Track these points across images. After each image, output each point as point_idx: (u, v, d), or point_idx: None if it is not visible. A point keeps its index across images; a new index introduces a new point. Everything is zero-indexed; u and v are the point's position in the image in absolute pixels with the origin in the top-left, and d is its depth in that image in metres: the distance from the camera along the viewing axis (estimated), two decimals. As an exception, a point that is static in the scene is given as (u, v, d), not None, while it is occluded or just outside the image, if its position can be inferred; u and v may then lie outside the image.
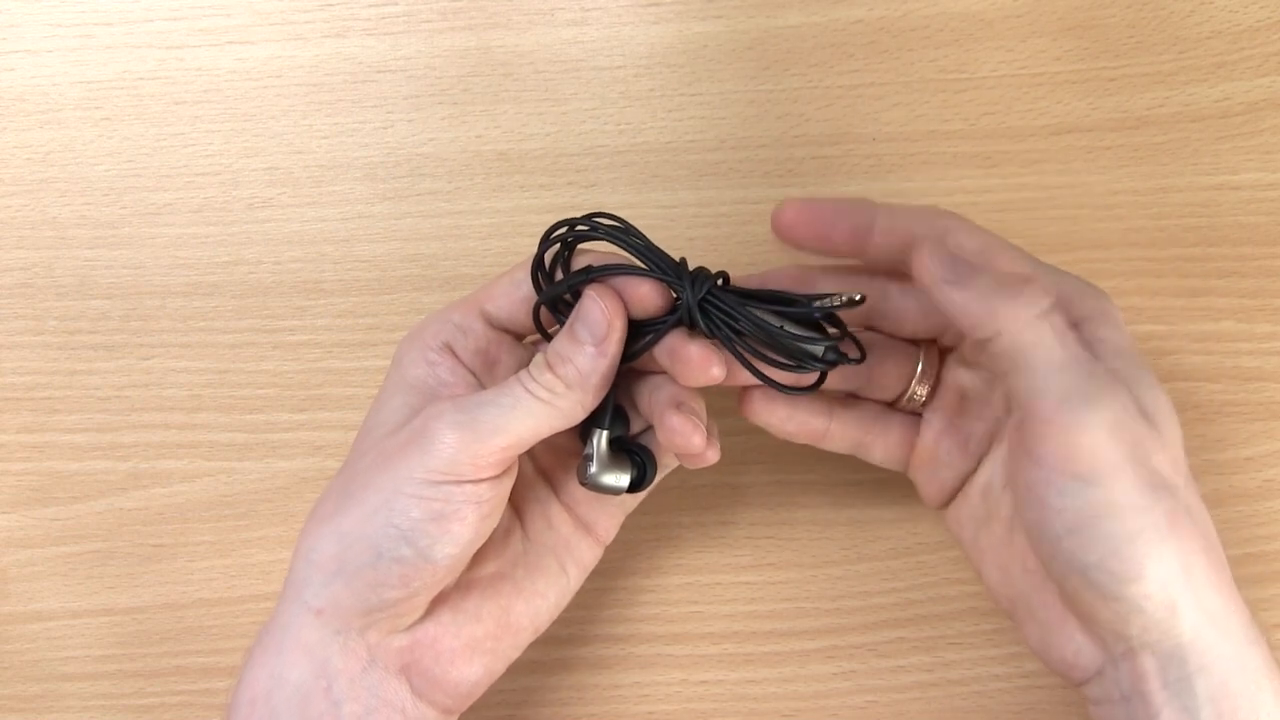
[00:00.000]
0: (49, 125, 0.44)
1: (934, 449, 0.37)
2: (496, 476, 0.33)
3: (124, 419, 0.44)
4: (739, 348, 0.34)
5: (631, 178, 0.44)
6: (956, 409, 0.36)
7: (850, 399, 0.38)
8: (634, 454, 0.36)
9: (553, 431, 0.33)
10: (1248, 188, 0.43)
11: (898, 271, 0.35)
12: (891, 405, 0.38)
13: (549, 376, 0.33)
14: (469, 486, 0.32)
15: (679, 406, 0.34)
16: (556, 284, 0.35)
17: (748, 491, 0.44)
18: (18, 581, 0.44)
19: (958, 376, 0.36)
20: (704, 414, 0.35)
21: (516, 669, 0.43)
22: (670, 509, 0.43)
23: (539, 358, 0.34)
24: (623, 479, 0.35)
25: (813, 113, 0.44)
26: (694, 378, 0.33)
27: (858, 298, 0.32)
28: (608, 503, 0.37)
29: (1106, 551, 0.30)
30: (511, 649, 0.36)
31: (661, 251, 0.34)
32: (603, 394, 0.34)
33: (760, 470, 0.44)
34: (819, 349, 0.33)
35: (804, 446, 0.44)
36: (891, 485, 0.44)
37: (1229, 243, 0.43)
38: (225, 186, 0.44)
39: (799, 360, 0.33)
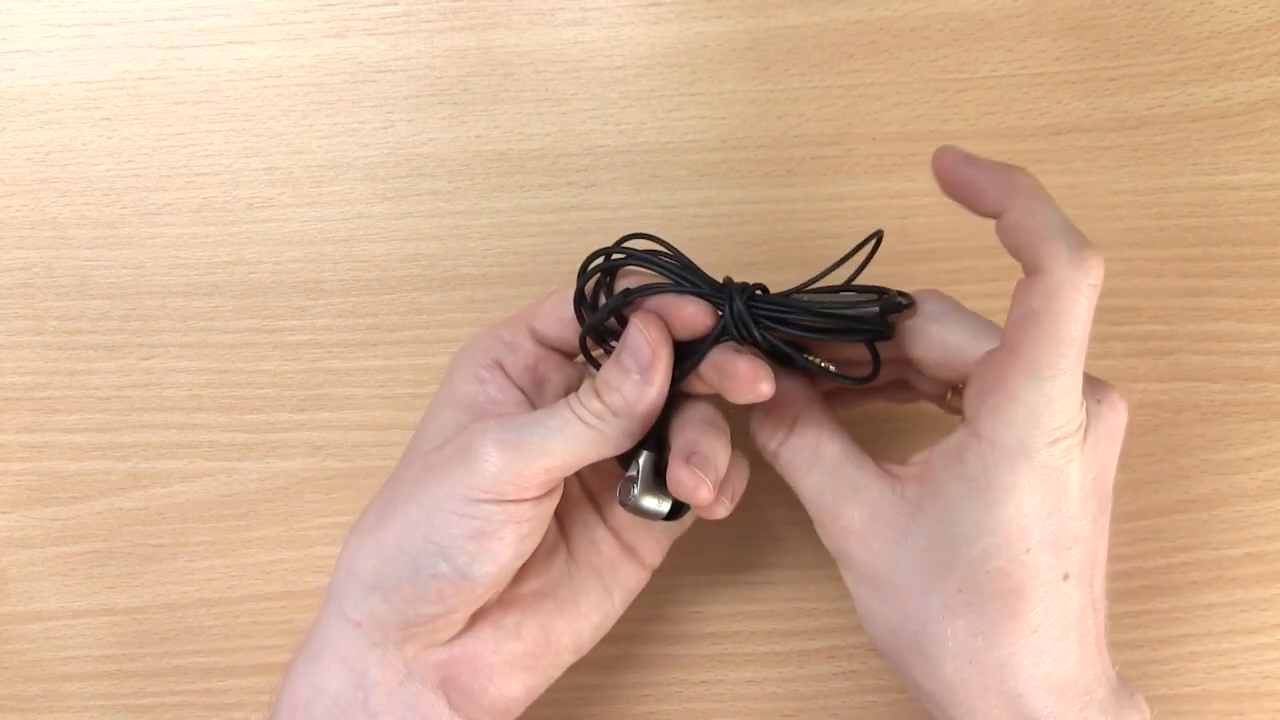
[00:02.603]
0: (49, 125, 0.44)
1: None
2: (539, 498, 0.32)
3: (124, 419, 0.44)
4: (794, 348, 0.33)
5: (631, 178, 0.44)
6: None
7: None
8: None
9: (599, 458, 0.33)
10: (1248, 188, 0.43)
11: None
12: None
13: (597, 404, 0.33)
14: (510, 506, 0.32)
15: (689, 458, 0.33)
16: (597, 313, 0.34)
17: (748, 491, 0.44)
18: (18, 581, 0.44)
19: None
20: (722, 462, 0.34)
21: (516, 669, 0.43)
22: (670, 509, 0.43)
23: (587, 383, 0.34)
24: (664, 504, 0.35)
25: (813, 113, 0.44)
26: (743, 394, 0.33)
27: (905, 302, 0.33)
28: (653, 528, 0.37)
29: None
30: (553, 668, 0.35)
31: (697, 268, 0.34)
32: (650, 422, 0.33)
33: (760, 471, 0.44)
34: (873, 310, 0.33)
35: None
36: (891, 485, 0.44)
37: (1229, 243, 0.43)
38: (225, 186, 0.44)
39: (855, 328, 0.33)
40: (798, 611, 0.43)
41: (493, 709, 0.34)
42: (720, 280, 0.34)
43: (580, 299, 0.35)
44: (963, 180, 0.32)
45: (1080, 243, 0.30)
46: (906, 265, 0.43)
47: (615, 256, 0.34)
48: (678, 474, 0.33)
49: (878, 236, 0.35)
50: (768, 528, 0.43)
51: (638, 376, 0.33)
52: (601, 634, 0.37)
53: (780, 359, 0.34)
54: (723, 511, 0.34)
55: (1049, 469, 0.30)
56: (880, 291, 0.34)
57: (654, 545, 0.38)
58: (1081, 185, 0.43)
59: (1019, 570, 0.30)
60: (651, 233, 0.35)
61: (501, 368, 0.36)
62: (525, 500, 0.32)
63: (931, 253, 0.43)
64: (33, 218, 0.44)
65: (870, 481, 0.33)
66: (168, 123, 0.44)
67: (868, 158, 0.44)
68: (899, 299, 0.34)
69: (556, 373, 0.37)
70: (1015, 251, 0.31)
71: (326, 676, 0.33)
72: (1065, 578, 0.31)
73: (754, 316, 0.33)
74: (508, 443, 0.32)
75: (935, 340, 0.33)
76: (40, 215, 0.44)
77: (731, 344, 0.34)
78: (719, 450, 0.34)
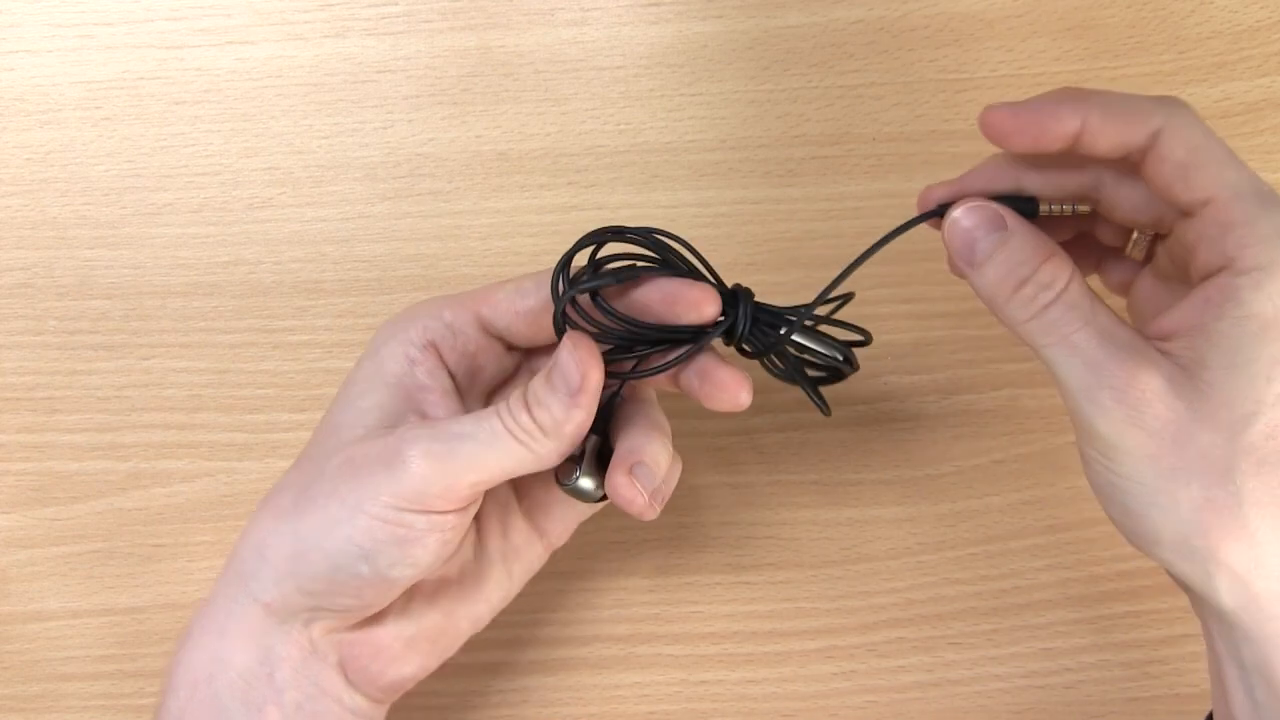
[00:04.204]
0: (49, 125, 0.44)
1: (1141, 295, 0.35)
2: (464, 508, 0.32)
3: (124, 419, 0.44)
4: (783, 361, 0.34)
5: (631, 178, 0.44)
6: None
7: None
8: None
9: (526, 472, 0.33)
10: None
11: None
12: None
13: (526, 419, 0.32)
14: (436, 516, 0.32)
15: (633, 467, 0.33)
16: (596, 277, 0.33)
17: (748, 491, 0.44)
18: (18, 581, 0.44)
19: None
20: (663, 470, 0.34)
21: (517, 669, 0.43)
22: (670, 509, 0.43)
23: (518, 393, 0.33)
24: (602, 488, 0.35)
25: (813, 113, 0.44)
26: (723, 403, 0.33)
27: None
28: (569, 509, 0.37)
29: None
30: (449, 648, 0.36)
31: (710, 266, 0.34)
32: (578, 441, 0.33)
33: (760, 470, 0.44)
34: (846, 359, 0.35)
35: (803, 446, 0.44)
36: (891, 485, 0.44)
37: (1229, 243, 0.43)
38: (225, 186, 0.44)
39: (826, 366, 0.35)
40: (798, 611, 0.43)
41: (389, 687, 0.34)
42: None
43: (565, 264, 0.33)
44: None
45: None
46: (907, 265, 0.43)
47: (630, 236, 0.34)
48: (619, 483, 0.33)
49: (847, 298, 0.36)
50: (768, 527, 0.44)
51: (566, 398, 0.32)
52: (497, 613, 0.37)
53: (780, 373, 0.35)
54: (651, 515, 0.34)
55: None
56: (864, 335, 0.35)
57: (563, 528, 0.37)
58: (1081, 185, 0.43)
59: None
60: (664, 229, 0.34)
61: (437, 350, 0.34)
62: (450, 511, 0.32)
63: (931, 253, 0.43)
64: (33, 218, 0.44)
65: (1144, 341, 0.30)
66: (168, 123, 0.44)
67: (868, 158, 0.44)
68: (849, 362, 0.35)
69: (494, 364, 0.36)
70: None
71: (232, 651, 0.32)
72: None
73: (755, 332, 0.33)
74: (438, 455, 0.31)
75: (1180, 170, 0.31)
76: (40, 215, 0.44)
77: (712, 350, 0.34)
78: (661, 458, 0.34)
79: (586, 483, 0.35)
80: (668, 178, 0.44)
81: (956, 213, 0.32)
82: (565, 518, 0.37)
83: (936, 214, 0.33)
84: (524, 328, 0.35)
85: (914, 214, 0.34)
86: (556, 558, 0.43)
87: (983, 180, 0.33)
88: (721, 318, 0.33)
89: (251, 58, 0.43)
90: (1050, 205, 0.33)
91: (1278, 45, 0.43)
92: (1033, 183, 0.33)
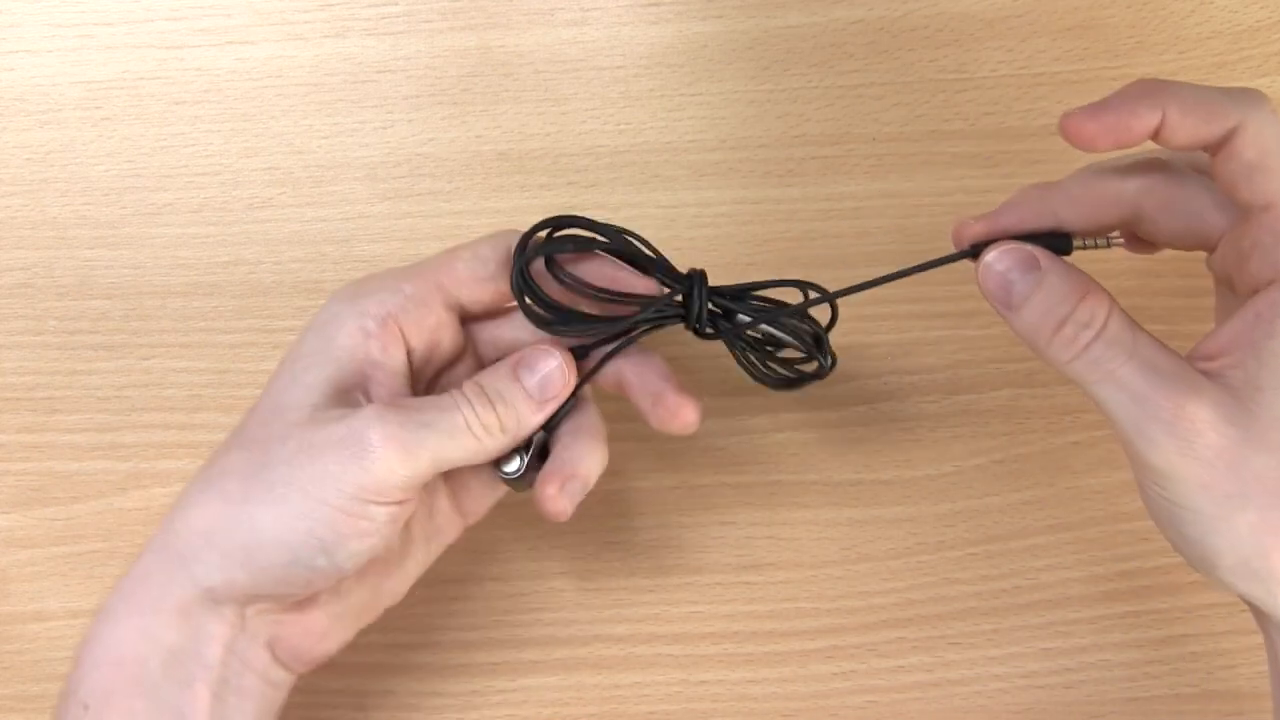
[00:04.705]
0: (49, 125, 0.44)
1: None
2: (415, 496, 0.33)
3: (124, 419, 0.44)
4: (741, 348, 0.35)
5: (631, 178, 0.44)
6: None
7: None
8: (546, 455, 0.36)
9: (472, 463, 0.33)
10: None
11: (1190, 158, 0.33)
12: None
13: (491, 417, 0.32)
14: (394, 507, 0.32)
15: (566, 482, 0.34)
16: (551, 242, 0.34)
17: (748, 491, 0.44)
18: (18, 581, 0.44)
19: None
20: (593, 481, 0.35)
21: (516, 669, 0.43)
22: (671, 509, 0.43)
23: (478, 388, 0.33)
24: (533, 478, 0.35)
25: (813, 113, 0.44)
26: (673, 426, 0.34)
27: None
28: (490, 490, 0.37)
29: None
30: (369, 620, 0.36)
31: (667, 263, 0.35)
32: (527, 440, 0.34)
33: (760, 470, 0.44)
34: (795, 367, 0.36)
35: (803, 446, 0.44)
36: (891, 485, 0.44)
37: (1229, 243, 0.43)
38: (225, 186, 0.44)
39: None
40: (798, 611, 0.43)
41: (311, 661, 0.34)
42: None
43: (526, 238, 0.34)
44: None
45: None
46: (906, 265, 0.43)
47: (578, 233, 0.34)
48: (550, 494, 0.34)
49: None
50: (768, 527, 0.44)
51: (536, 403, 0.33)
52: (414, 581, 0.37)
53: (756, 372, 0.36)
54: (565, 518, 0.34)
55: None
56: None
57: (482, 507, 0.37)
58: (1081, 185, 0.43)
59: None
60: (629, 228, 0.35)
61: (398, 325, 0.33)
62: (406, 500, 0.32)
63: (931, 253, 0.43)
64: (33, 218, 0.44)
65: (1189, 368, 0.30)
66: (168, 123, 0.44)
67: (868, 158, 0.44)
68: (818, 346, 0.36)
69: (449, 340, 0.35)
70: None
71: (164, 629, 0.32)
72: None
73: (713, 318, 0.35)
74: (404, 445, 0.31)
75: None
76: (40, 215, 0.44)
77: (660, 369, 0.35)
78: (595, 471, 0.35)
79: (527, 475, 0.35)
80: (668, 178, 0.44)
81: (989, 257, 0.32)
82: (485, 498, 0.37)
83: (970, 254, 0.33)
84: (485, 295, 0.35)
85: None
86: (557, 557, 0.43)
87: (1016, 217, 0.33)
88: (677, 300, 0.34)
89: (251, 58, 0.43)
90: (1084, 240, 0.33)
91: (1278, 45, 0.43)
92: (1068, 213, 0.33)
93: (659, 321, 0.35)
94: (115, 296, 0.44)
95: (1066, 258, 0.32)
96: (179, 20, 0.43)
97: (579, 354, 0.35)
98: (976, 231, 0.33)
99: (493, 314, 0.36)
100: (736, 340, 0.35)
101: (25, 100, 0.43)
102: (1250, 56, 0.43)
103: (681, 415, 0.34)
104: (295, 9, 0.43)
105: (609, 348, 0.35)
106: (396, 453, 0.31)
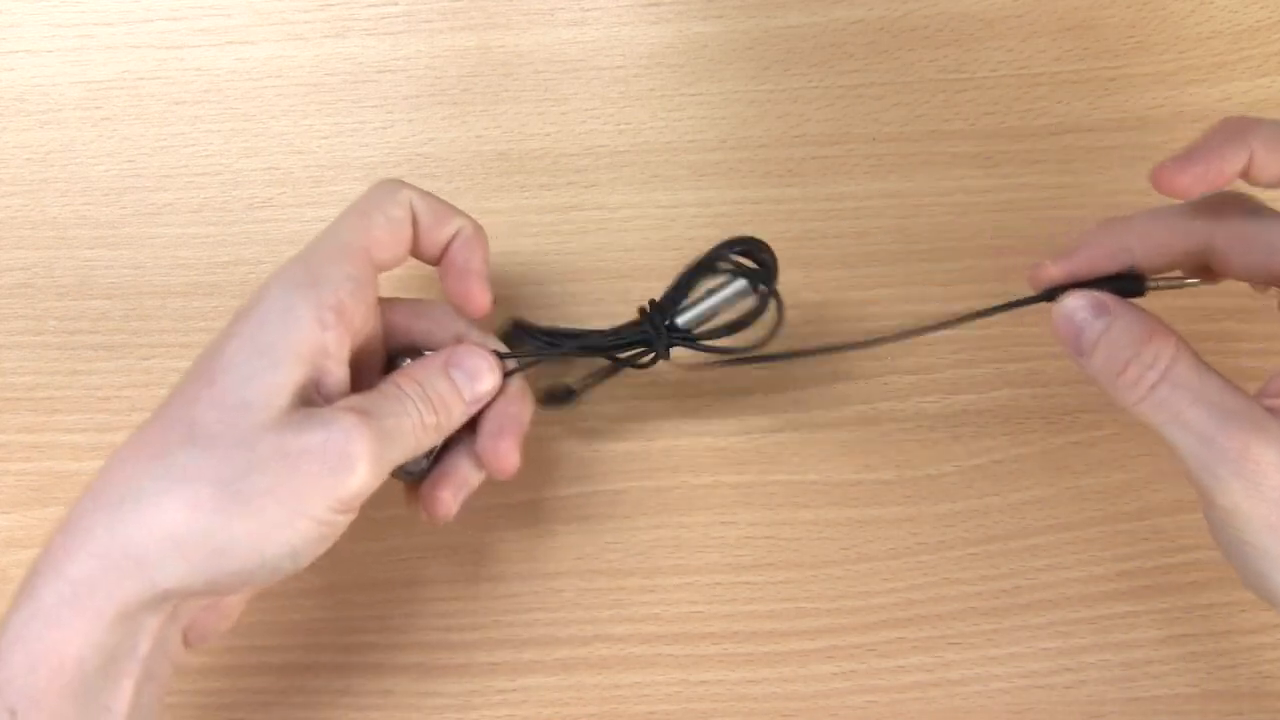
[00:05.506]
0: (49, 125, 0.44)
1: None
2: None
3: (124, 419, 0.44)
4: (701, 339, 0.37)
5: (631, 178, 0.44)
6: None
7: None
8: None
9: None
10: (1247, 188, 0.43)
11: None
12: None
13: (433, 418, 0.33)
14: (355, 512, 0.32)
15: (459, 488, 0.36)
16: (536, 346, 0.38)
17: (748, 491, 0.44)
18: (18, 582, 0.44)
19: None
20: (476, 485, 0.37)
21: (516, 669, 0.43)
22: (670, 508, 0.43)
23: (420, 390, 0.33)
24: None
25: (813, 113, 0.44)
26: (492, 466, 0.36)
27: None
28: None
29: None
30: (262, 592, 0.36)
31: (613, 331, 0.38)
32: None
33: (760, 470, 0.44)
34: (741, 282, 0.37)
35: (803, 446, 0.44)
36: (891, 485, 0.44)
37: (1229, 243, 0.43)
38: (225, 186, 0.44)
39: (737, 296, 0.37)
40: (798, 611, 0.43)
41: (211, 639, 0.35)
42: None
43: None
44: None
45: None
46: (906, 265, 0.43)
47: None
48: (443, 498, 0.35)
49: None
50: (768, 527, 0.43)
51: (465, 405, 0.34)
52: None
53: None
54: (450, 520, 0.36)
55: None
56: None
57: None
58: (1081, 185, 0.43)
59: None
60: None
61: (348, 313, 0.32)
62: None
63: (931, 253, 0.43)
64: (33, 218, 0.44)
65: (1257, 408, 0.30)
66: (168, 123, 0.44)
67: (868, 158, 0.44)
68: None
69: (374, 319, 0.35)
70: None
71: (106, 631, 0.30)
72: None
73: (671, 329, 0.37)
74: (378, 458, 0.31)
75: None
76: (40, 215, 0.44)
77: (523, 413, 0.36)
78: (476, 479, 0.36)
79: (415, 467, 0.36)
80: (668, 178, 0.44)
81: (1061, 305, 0.33)
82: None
83: (1046, 297, 0.34)
84: (400, 252, 0.35)
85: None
86: (556, 557, 0.43)
87: (1089, 257, 0.34)
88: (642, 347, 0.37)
89: (251, 58, 0.43)
90: (1158, 280, 0.33)
91: (1278, 45, 0.43)
92: (1142, 249, 0.33)
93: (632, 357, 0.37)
94: (115, 296, 0.44)
95: (1140, 299, 0.33)
96: (179, 20, 0.43)
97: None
98: (1053, 275, 0.34)
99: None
100: (698, 342, 0.37)
101: (25, 100, 0.43)
102: (1250, 56, 0.43)
103: (503, 463, 0.35)
104: (295, 9, 0.43)
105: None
106: (372, 466, 0.31)
